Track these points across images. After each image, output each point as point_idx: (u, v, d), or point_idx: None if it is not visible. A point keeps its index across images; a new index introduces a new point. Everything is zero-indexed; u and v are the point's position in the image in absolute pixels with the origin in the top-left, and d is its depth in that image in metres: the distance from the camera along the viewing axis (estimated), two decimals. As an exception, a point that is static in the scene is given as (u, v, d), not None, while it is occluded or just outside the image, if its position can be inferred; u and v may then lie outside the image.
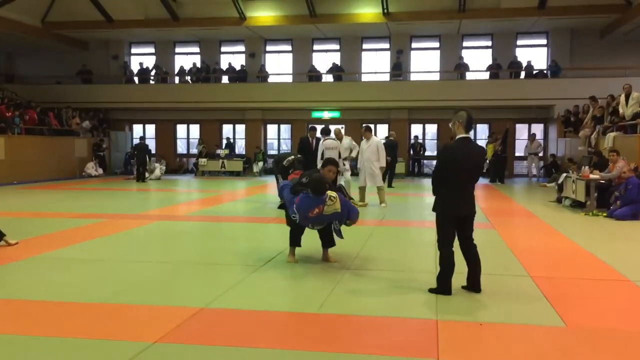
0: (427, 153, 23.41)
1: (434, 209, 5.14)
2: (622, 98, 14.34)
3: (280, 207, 6.63)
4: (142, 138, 20.76)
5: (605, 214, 10.46)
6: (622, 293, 5.37)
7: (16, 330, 4.18)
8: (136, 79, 24.63)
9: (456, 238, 5.12)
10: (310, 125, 13.89)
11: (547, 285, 5.43)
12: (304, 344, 3.93)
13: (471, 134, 5.13)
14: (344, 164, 11.97)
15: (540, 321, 4.41)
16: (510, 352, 3.85)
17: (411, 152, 22.75)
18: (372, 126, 12.97)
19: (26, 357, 3.69)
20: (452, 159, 4.97)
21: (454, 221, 5.05)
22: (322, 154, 11.43)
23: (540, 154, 21.25)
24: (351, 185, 12.32)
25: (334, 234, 6.26)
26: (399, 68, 22.75)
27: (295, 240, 6.46)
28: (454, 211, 5.01)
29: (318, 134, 12.27)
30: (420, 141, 23.06)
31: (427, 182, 19.36)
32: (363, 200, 11.91)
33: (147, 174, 19.44)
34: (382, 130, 22.33)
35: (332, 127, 13.02)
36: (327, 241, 6.45)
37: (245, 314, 4.55)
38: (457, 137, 5.07)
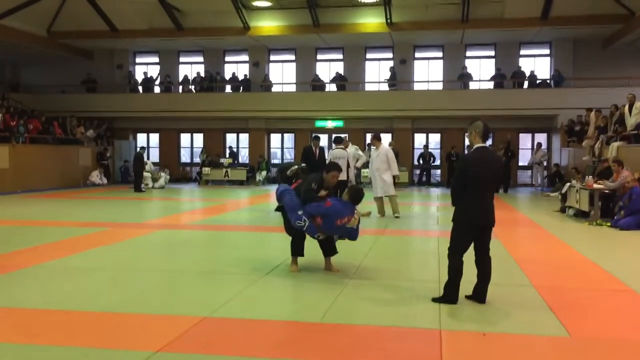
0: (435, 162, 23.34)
1: (453, 219, 5.14)
2: (626, 108, 14.34)
3: (277, 209, 6.60)
4: (143, 148, 20.51)
5: (609, 224, 10.43)
6: (627, 303, 5.35)
7: (19, 338, 4.18)
8: (140, 88, 24.74)
9: (471, 248, 5.11)
10: (313, 135, 13.89)
11: (551, 295, 5.41)
12: (306, 353, 3.92)
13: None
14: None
15: (544, 331, 4.39)
16: (514, 362, 3.84)
17: (421, 161, 22.73)
18: (381, 135, 12.65)
19: (29, 365, 3.69)
20: (471, 169, 4.98)
21: (473, 231, 5.04)
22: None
23: (545, 163, 21.21)
24: None
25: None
26: (394, 78, 22.80)
27: (298, 250, 6.42)
28: (474, 221, 5.01)
29: (321, 143, 12.23)
30: (430, 150, 22.98)
31: (434, 192, 19.43)
32: (383, 212, 11.59)
33: (142, 184, 19.03)
34: (385, 140, 22.29)
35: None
36: (329, 250, 6.44)
37: (247, 324, 4.54)
38: (475, 146, 5.10)
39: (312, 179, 6.28)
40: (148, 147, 24.47)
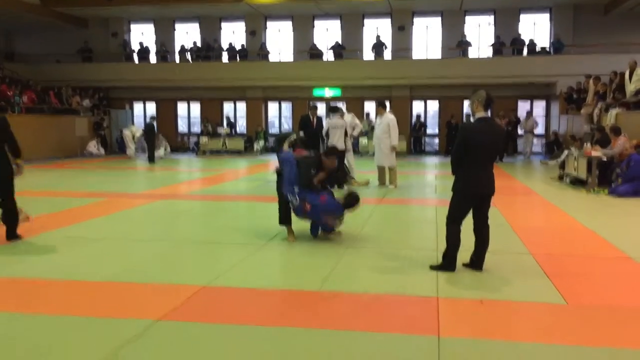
0: (428, 131, 23.33)
1: (453, 188, 5.14)
2: (627, 74, 14.23)
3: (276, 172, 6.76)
4: (153, 117, 19.85)
5: (607, 191, 10.45)
6: (623, 270, 5.38)
7: (21, 308, 4.21)
8: (136, 57, 24.46)
9: (469, 216, 5.12)
10: (311, 104, 13.78)
11: (548, 263, 5.45)
12: (305, 321, 3.96)
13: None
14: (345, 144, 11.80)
15: (541, 299, 4.43)
16: (511, 329, 3.88)
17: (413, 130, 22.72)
18: (386, 102, 12.39)
19: (31, 335, 3.72)
20: (472, 138, 4.94)
21: (473, 200, 5.05)
22: (327, 132, 11.32)
23: (536, 131, 21.08)
24: (354, 168, 12.03)
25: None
26: (381, 45, 22.56)
27: (286, 218, 6.48)
28: (474, 190, 5.01)
29: (319, 112, 12.10)
30: (422, 120, 22.97)
31: (429, 160, 19.40)
32: (382, 181, 11.58)
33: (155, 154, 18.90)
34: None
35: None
36: None
37: (246, 292, 4.57)
38: (477, 116, 5.06)
39: (311, 163, 6.37)
40: (144, 116, 24.27)
